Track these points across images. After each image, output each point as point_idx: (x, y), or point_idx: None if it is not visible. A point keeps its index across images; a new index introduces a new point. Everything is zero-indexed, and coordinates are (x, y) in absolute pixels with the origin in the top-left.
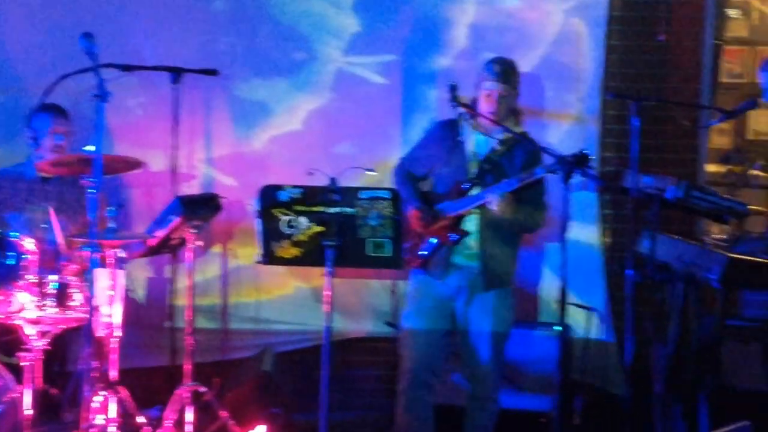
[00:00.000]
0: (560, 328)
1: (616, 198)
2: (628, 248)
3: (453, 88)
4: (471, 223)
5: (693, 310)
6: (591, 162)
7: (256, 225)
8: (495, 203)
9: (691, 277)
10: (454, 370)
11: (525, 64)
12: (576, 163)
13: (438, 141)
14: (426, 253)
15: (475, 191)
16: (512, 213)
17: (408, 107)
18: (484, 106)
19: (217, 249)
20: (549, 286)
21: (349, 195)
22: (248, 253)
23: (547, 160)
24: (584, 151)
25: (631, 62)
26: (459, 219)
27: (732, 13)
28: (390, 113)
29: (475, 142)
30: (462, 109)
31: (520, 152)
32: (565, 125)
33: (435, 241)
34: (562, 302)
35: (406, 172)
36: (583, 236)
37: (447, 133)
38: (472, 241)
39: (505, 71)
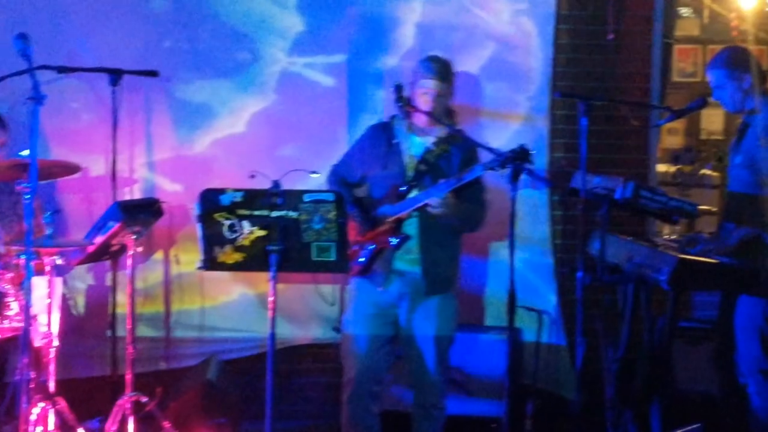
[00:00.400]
0: (510, 332)
1: (565, 199)
2: (578, 250)
3: (398, 89)
4: (411, 227)
5: (644, 312)
6: (531, 156)
7: (198, 230)
8: (435, 205)
9: (642, 278)
10: (397, 379)
11: (473, 63)
12: (516, 158)
13: (372, 145)
14: (364, 260)
15: (413, 194)
16: (453, 214)
17: (355, 108)
18: (421, 105)
19: (159, 255)
20: (498, 289)
21: (292, 198)
22: (191, 259)
23: (487, 157)
24: (524, 146)
25: (580, 61)
26: (398, 223)
27: (683, 11)
28: (336, 115)
29: (411, 143)
30: (405, 109)
31: (457, 151)
32: (514, 125)
33: (373, 247)
34: (511, 305)
35: (340, 178)
36: (532, 237)
37: (381, 136)
38: (412, 246)
39: (442, 69)
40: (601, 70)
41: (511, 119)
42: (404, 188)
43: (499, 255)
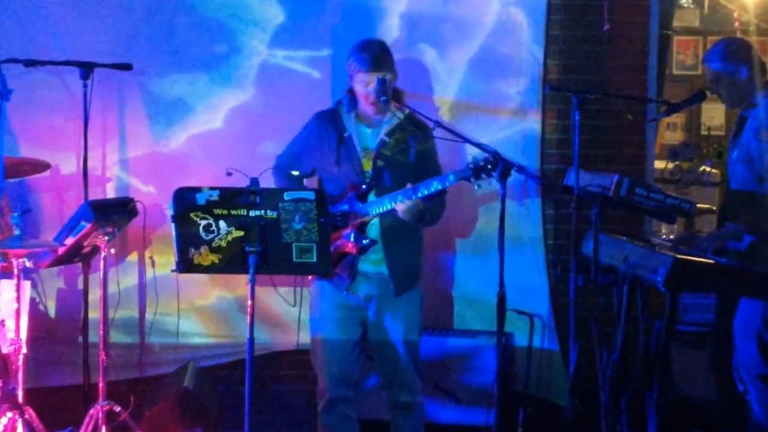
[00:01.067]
0: (499, 336)
1: (558, 197)
2: (571, 250)
3: (382, 82)
4: (372, 228)
5: (640, 314)
6: (507, 169)
7: (172, 230)
8: (404, 210)
9: (637, 279)
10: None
11: (461, 55)
12: (488, 169)
13: (320, 137)
14: None
15: (374, 193)
16: (419, 216)
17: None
18: (363, 96)
19: (133, 257)
20: (488, 292)
21: (271, 197)
22: (167, 261)
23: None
24: (498, 155)
25: (573, 53)
26: (362, 226)
27: (683, 1)
28: (317, 109)
29: (362, 135)
30: (392, 105)
31: (413, 141)
32: (504, 120)
33: (334, 249)
34: (501, 308)
35: (288, 173)
36: (523, 237)
37: (329, 127)
38: (376, 246)
39: (377, 57)
40: (595, 63)
41: (501, 114)
42: (365, 187)
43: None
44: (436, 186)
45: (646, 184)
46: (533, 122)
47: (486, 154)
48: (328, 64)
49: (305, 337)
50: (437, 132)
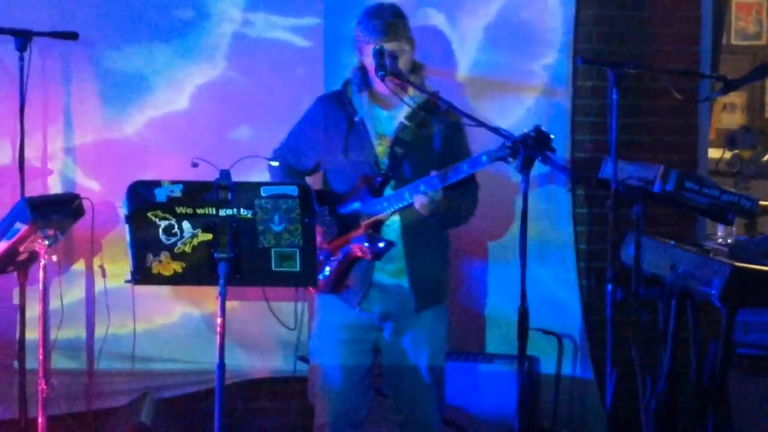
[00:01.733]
0: (521, 361)
1: (591, 193)
2: (608, 257)
3: (379, 54)
4: (391, 230)
5: (691, 334)
6: (551, 142)
7: (127, 233)
8: (424, 203)
9: (687, 292)
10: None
11: (476, 22)
12: (530, 145)
13: (325, 123)
14: (329, 273)
15: (391, 187)
16: (444, 212)
17: (332, 80)
18: (376, 75)
19: (79, 266)
20: (508, 308)
21: (245, 193)
22: (120, 270)
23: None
24: (539, 128)
25: (611, 20)
26: (376, 226)
27: None
28: (307, 87)
29: (377, 119)
30: (390, 80)
31: (439, 125)
32: (527, 100)
33: (343, 257)
34: (522, 327)
35: (287, 168)
36: (550, 241)
37: (336, 111)
38: (395, 252)
39: (390, 25)
40: (636, 31)
41: (523, 92)
42: (379, 179)
43: (502, 258)
44: (465, 171)
45: (698, 176)
46: (562, 103)
47: (526, 130)
48: (317, 32)
49: (287, 362)
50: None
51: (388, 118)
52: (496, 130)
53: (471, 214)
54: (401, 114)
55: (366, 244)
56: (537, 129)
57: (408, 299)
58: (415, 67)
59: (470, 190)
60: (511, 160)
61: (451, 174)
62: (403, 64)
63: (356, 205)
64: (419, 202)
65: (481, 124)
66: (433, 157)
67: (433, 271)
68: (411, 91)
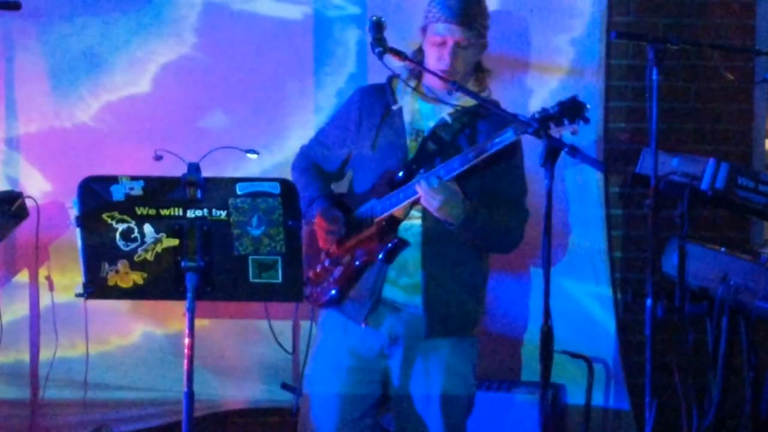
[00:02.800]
0: (544, 389)
1: (628, 191)
2: (647, 266)
3: (377, 26)
4: (409, 233)
5: (746, 357)
6: (586, 112)
7: (78, 238)
8: (429, 196)
9: (740, 307)
10: None
11: None
12: (564, 114)
13: (359, 114)
14: (333, 279)
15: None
16: (462, 214)
17: (321, 57)
18: (433, 60)
19: (22, 277)
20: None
21: (218, 190)
22: (70, 282)
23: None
24: (575, 98)
25: None
26: (391, 225)
27: None
28: (293, 66)
29: (418, 112)
30: (386, 56)
31: (486, 127)
32: (552, 81)
33: (352, 261)
34: (546, 350)
35: (311, 164)
36: (578, 247)
37: (374, 101)
38: (411, 264)
39: (466, 8)
40: (680, 1)
41: (546, 72)
42: (401, 174)
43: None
44: (489, 149)
45: (754, 171)
46: (592, 84)
47: (561, 101)
48: (308, 1)
49: (268, 390)
50: (455, 97)
51: (431, 112)
52: (514, 117)
53: (514, 237)
54: (446, 110)
55: (376, 245)
56: (572, 98)
57: (421, 323)
58: (480, 69)
59: (511, 208)
60: (566, 122)
61: (472, 155)
62: (465, 58)
63: (372, 203)
64: (421, 189)
65: (497, 111)
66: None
67: (457, 295)
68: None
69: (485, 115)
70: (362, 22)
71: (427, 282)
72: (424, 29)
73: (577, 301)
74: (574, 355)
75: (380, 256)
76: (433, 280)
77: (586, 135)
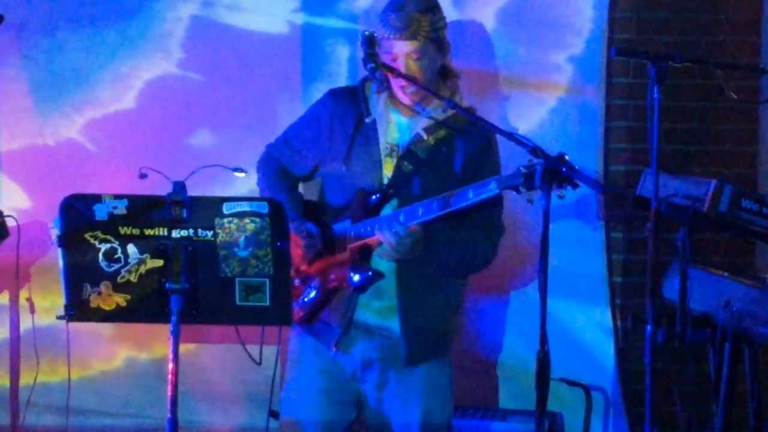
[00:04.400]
0: (539, 419)
1: (628, 213)
2: (647, 291)
3: (369, 41)
4: (383, 260)
5: (749, 386)
6: (574, 178)
7: (60, 259)
8: (391, 245)
9: (744, 334)
10: None
11: (487, 7)
12: (551, 173)
13: (331, 122)
14: (309, 301)
15: (389, 208)
16: (428, 254)
17: (311, 73)
18: (394, 81)
19: (2, 299)
20: (527, 355)
21: (204, 210)
22: (52, 304)
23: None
24: (562, 155)
25: (652, 1)
26: (364, 251)
27: None
28: (281, 83)
29: (393, 125)
30: (379, 73)
31: (464, 145)
32: (549, 100)
33: (322, 283)
34: (542, 377)
35: (278, 167)
36: (576, 272)
37: (347, 109)
38: (386, 287)
39: (409, 20)
40: (684, 16)
41: (544, 90)
42: (376, 197)
43: (523, 296)
44: (471, 199)
45: (759, 194)
46: (592, 103)
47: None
48: (294, 16)
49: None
50: (429, 109)
51: (407, 126)
52: (510, 136)
53: (484, 263)
54: (420, 123)
55: (349, 273)
56: (559, 156)
57: (397, 347)
58: (446, 75)
59: (481, 236)
60: (523, 190)
61: (454, 200)
62: (422, 68)
63: (346, 225)
64: (383, 238)
65: (502, 132)
66: (453, 182)
67: (434, 316)
68: (436, 102)
69: (461, 129)
70: (353, 37)
71: (404, 307)
72: (379, 45)
73: (574, 326)
74: (572, 383)
75: (353, 286)
76: (409, 305)
77: (586, 155)
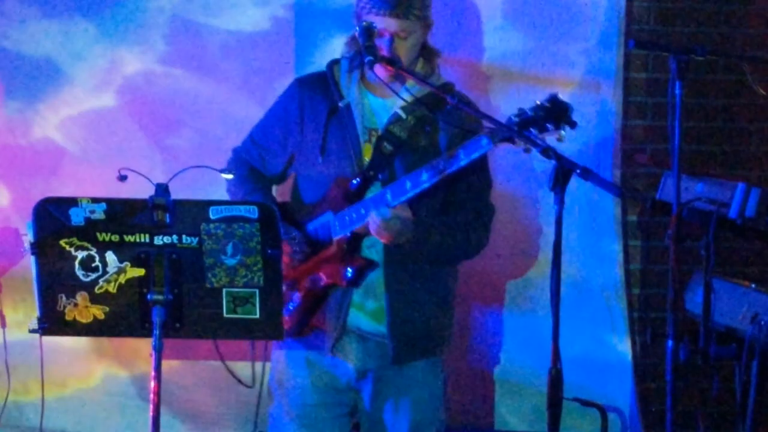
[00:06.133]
0: None
1: (647, 219)
2: (668, 303)
3: (368, 31)
4: (372, 250)
5: None
6: (569, 114)
7: (32, 268)
8: (381, 229)
9: None
10: None
11: None
12: (545, 118)
13: (301, 113)
14: (298, 308)
15: (372, 191)
16: (413, 238)
17: (304, 67)
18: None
19: None
20: (526, 369)
21: (189, 214)
22: (24, 317)
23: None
24: (556, 97)
25: None
26: (354, 244)
27: None
28: (270, 78)
29: (368, 107)
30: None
31: (444, 120)
32: (563, 95)
33: (309, 286)
34: (555, 396)
35: (249, 170)
36: (591, 282)
37: (316, 96)
38: (374, 287)
39: None
40: (708, 7)
41: (555, 86)
42: (356, 181)
43: (522, 304)
44: (463, 158)
45: None
46: (607, 100)
47: (540, 101)
48: (286, 6)
49: None
50: (405, 87)
51: (383, 107)
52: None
53: (478, 247)
54: (398, 103)
55: (340, 267)
56: (551, 98)
57: (389, 350)
58: (426, 54)
59: (473, 216)
60: (518, 140)
61: (444, 164)
62: (408, 47)
63: (328, 217)
64: (372, 222)
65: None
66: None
67: (424, 312)
68: (411, 80)
69: (442, 106)
70: (344, 24)
71: (392, 303)
72: (357, 17)
73: (588, 341)
74: (586, 403)
75: (346, 280)
76: (397, 301)
77: (602, 156)
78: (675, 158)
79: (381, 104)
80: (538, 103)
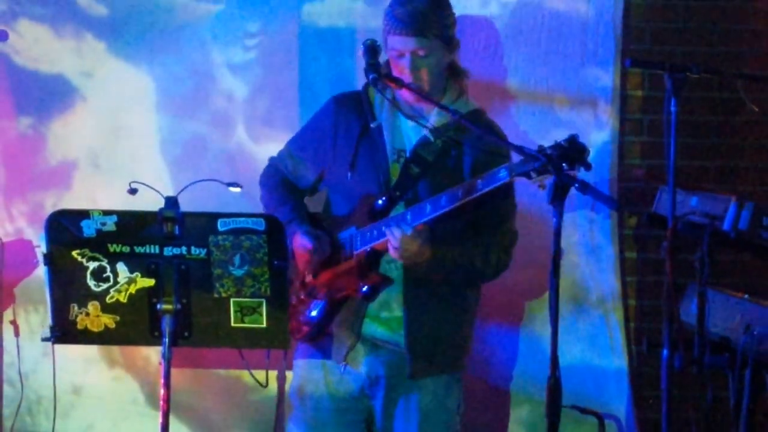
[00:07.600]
0: None
1: (643, 232)
2: (664, 314)
3: (371, 50)
4: (391, 266)
5: None
6: (587, 155)
7: (45, 278)
8: (397, 246)
9: (766, 359)
10: None
11: (489, 11)
12: (564, 157)
13: (335, 129)
14: (316, 315)
15: (397, 210)
16: (437, 259)
17: (308, 79)
18: (396, 73)
19: None
20: (537, 380)
21: (198, 226)
22: (37, 326)
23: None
24: (575, 138)
25: (670, 9)
26: (373, 259)
27: None
28: (278, 90)
29: (398, 129)
30: (382, 84)
31: (471, 148)
32: (559, 113)
33: (330, 296)
34: (553, 405)
35: (282, 179)
36: (589, 294)
37: (350, 115)
38: (392, 299)
39: (418, 16)
40: (701, 26)
41: (554, 103)
42: (382, 201)
43: (539, 321)
44: (480, 188)
45: None
46: (604, 118)
47: (559, 140)
48: (291, 20)
49: None
50: (434, 112)
51: (414, 130)
52: (519, 149)
53: (500, 269)
54: (426, 126)
55: (357, 280)
56: (571, 139)
57: (404, 362)
58: (454, 74)
59: (497, 239)
60: (534, 175)
61: (463, 193)
62: (429, 67)
63: (351, 231)
64: (391, 239)
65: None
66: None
67: (442, 331)
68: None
69: (467, 132)
70: (354, 44)
71: (410, 319)
72: (384, 41)
73: (586, 351)
74: (584, 411)
75: (362, 294)
76: (415, 317)
77: (599, 171)
78: (670, 173)
79: (411, 127)
80: (557, 142)
